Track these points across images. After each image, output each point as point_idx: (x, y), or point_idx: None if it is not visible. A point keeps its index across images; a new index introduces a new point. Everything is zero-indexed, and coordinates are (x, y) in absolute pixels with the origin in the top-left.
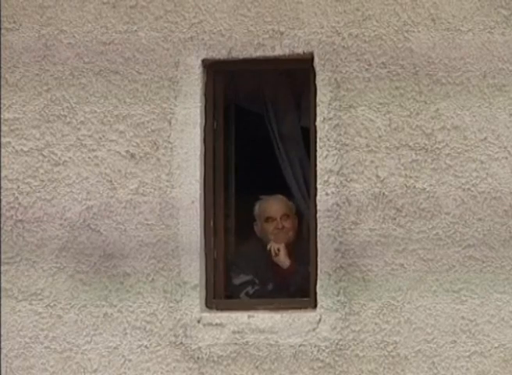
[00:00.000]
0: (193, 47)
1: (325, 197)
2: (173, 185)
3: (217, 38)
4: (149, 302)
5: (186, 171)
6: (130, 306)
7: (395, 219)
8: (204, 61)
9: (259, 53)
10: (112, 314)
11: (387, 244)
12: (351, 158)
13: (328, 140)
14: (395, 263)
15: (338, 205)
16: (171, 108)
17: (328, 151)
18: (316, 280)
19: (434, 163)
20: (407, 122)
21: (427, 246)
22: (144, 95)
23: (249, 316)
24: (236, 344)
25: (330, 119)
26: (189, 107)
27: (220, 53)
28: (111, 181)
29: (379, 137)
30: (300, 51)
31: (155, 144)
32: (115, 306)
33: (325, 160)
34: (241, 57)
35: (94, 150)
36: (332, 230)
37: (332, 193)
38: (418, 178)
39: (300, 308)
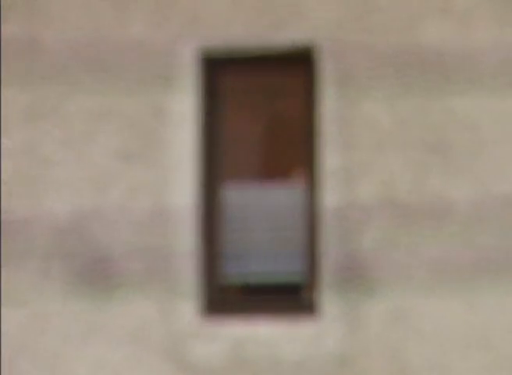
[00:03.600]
0: (189, 39)
1: (329, 199)
2: (167, 186)
3: (214, 30)
4: (142, 312)
5: (181, 170)
6: (122, 316)
7: (403, 223)
8: (200, 53)
9: (259, 46)
10: (102, 323)
11: (395, 251)
12: (357, 158)
13: (332, 137)
14: (403, 270)
15: (343, 208)
16: (165, 104)
17: (332, 149)
18: (320, 288)
19: (445, 163)
20: (416, 119)
21: (437, 251)
22: (136, 90)
23: (248, 326)
24: (233, 355)
25: (334, 115)
26: (184, 102)
27: (217, 45)
28: (101, 183)
29: (386, 135)
30: (301, 43)
31: (149, 141)
32: (106, 315)
33: (329, 159)
34: (240, 50)
35: (83, 149)
36: (338, 236)
37: (337, 195)
38: (428, 179)
39: (303, 317)
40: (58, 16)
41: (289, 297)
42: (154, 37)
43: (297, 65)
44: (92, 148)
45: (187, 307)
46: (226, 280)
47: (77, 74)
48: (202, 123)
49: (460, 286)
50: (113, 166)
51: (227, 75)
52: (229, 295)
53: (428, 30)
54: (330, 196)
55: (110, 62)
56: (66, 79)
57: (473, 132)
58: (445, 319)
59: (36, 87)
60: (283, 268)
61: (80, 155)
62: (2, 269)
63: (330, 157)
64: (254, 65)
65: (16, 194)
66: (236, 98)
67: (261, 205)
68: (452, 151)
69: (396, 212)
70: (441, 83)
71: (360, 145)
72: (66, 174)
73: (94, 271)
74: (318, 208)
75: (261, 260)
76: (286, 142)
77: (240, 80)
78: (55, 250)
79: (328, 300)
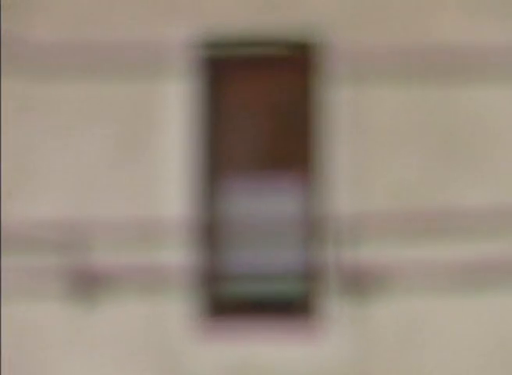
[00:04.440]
0: (186, 31)
1: (338, 206)
2: (161, 191)
3: (214, 19)
4: (133, 324)
5: (172, 174)
6: (114, 330)
7: (417, 229)
8: (198, 47)
9: (258, 35)
10: (93, 337)
11: (408, 264)
12: (367, 159)
13: (341, 137)
14: (417, 282)
15: (352, 216)
16: (156, 101)
17: (342, 151)
18: (328, 302)
19: (462, 166)
20: (432, 118)
21: (454, 264)
22: (126, 87)
23: (247, 343)
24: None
25: (343, 112)
26: (177, 99)
27: (217, 36)
28: (93, 186)
29: (400, 135)
30: (303, 33)
31: (137, 146)
32: (96, 328)
33: (338, 164)
34: (240, 42)
35: (69, 155)
36: (347, 245)
37: (347, 199)
38: (443, 182)
39: (308, 333)
40: (45, 7)
41: (293, 312)
42: (143, 24)
43: (301, 59)
44: (82, 149)
45: (184, 325)
46: (224, 293)
47: (70, 73)
48: (199, 120)
49: (476, 291)
50: (103, 169)
51: (228, 71)
52: (227, 309)
53: (443, 18)
54: (340, 201)
55: (101, 59)
56: (54, 78)
57: (493, 133)
58: (459, 329)
59: (21, 83)
60: (286, 280)
61: (64, 162)
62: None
63: (340, 160)
64: (255, 61)
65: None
66: (235, 95)
67: (262, 212)
68: (470, 153)
69: (409, 216)
70: (460, 78)
71: (371, 146)
72: (50, 182)
73: (85, 285)
74: (326, 213)
75: (262, 273)
76: (290, 140)
77: (241, 79)
78: (41, 262)
79: (338, 316)
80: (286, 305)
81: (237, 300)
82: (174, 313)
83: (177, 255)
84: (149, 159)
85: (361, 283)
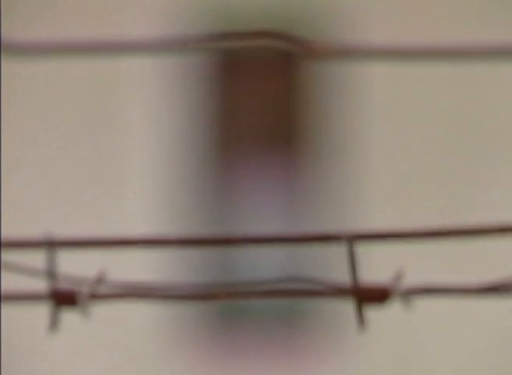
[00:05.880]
0: (148, 20)
1: (368, 223)
2: (122, 214)
3: (184, 8)
4: (112, 344)
5: (136, 192)
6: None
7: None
8: (167, 39)
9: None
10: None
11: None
12: (403, 175)
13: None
14: (443, 312)
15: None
16: (118, 108)
17: (376, 157)
18: (341, 318)
19: (498, 176)
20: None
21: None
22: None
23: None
24: None
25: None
26: (143, 104)
27: (187, 28)
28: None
29: (430, 140)
30: (287, 23)
31: (102, 161)
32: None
33: (370, 174)
34: (216, 32)
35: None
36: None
37: (378, 219)
38: (475, 194)
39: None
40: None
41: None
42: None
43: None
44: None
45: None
46: (220, 307)
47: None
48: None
49: (504, 300)
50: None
51: (227, 65)
52: (223, 324)
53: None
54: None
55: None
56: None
57: None
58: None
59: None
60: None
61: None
62: None
63: (372, 169)
64: (251, 53)
65: None
66: (233, 88)
67: (265, 219)
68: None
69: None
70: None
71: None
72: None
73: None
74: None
75: (262, 283)
76: (292, 140)
77: (238, 75)
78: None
79: (350, 332)
80: (291, 320)
81: (234, 314)
82: (154, 329)
83: (158, 265)
84: (121, 166)
85: (379, 301)
